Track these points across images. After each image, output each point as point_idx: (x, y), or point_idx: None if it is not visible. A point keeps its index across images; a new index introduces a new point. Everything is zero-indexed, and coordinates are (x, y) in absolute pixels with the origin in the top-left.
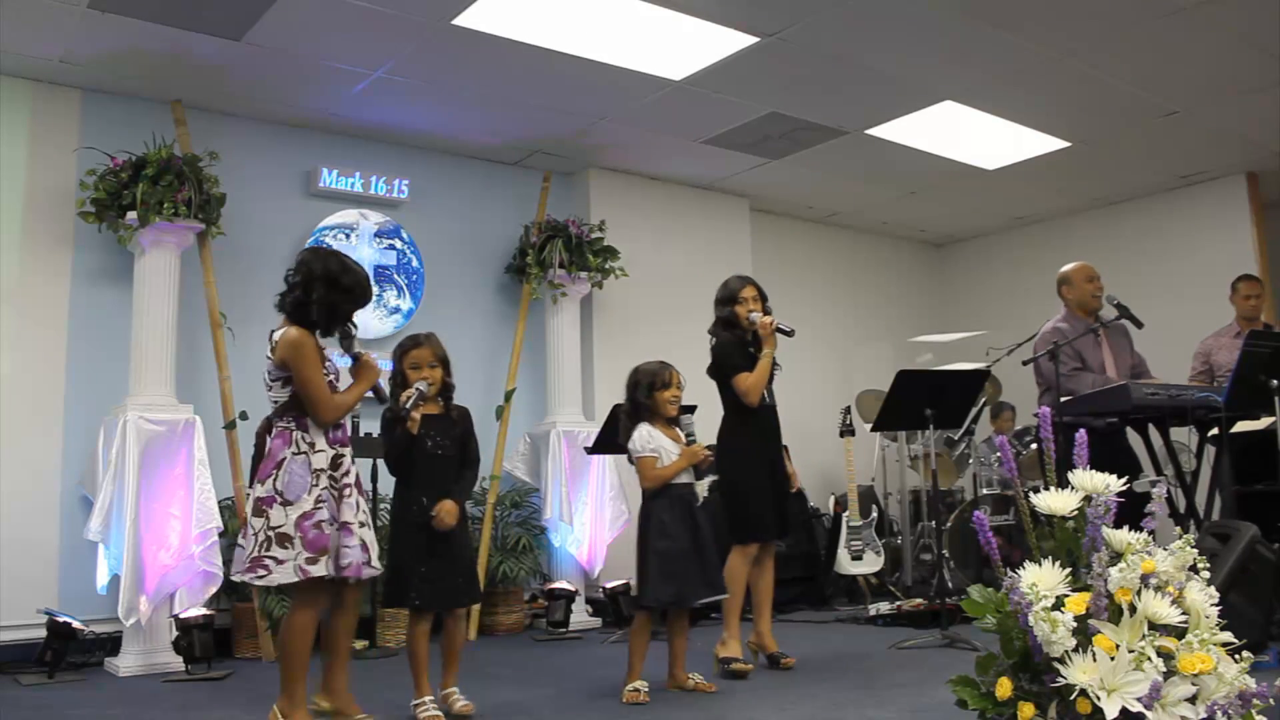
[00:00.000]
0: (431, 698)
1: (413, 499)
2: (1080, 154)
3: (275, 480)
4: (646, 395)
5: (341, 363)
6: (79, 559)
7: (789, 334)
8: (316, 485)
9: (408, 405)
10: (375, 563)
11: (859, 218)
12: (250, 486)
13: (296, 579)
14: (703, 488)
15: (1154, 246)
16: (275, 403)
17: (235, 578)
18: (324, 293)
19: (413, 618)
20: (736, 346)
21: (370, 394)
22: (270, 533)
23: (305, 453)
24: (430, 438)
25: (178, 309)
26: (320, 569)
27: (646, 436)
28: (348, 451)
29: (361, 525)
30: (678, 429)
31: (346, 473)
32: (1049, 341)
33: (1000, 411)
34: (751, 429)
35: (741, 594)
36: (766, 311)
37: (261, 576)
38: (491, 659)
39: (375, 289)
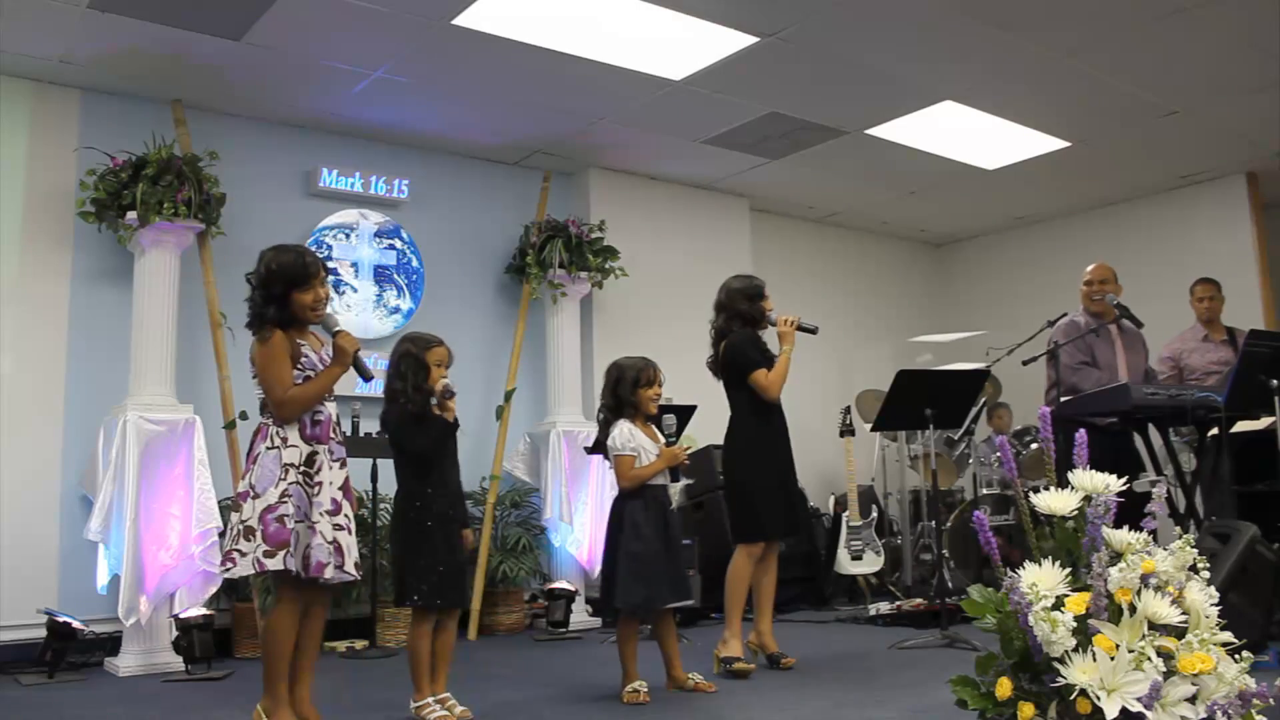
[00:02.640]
0: (434, 698)
1: (429, 498)
2: (1080, 154)
3: (250, 475)
4: (631, 391)
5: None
6: (79, 559)
7: (813, 331)
8: (284, 479)
9: (443, 395)
10: (350, 569)
11: (859, 218)
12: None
13: (253, 571)
14: (677, 491)
15: (1154, 246)
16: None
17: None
18: (251, 293)
19: (419, 618)
20: (752, 343)
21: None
22: (240, 525)
23: (277, 447)
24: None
25: (178, 309)
26: (277, 563)
27: (627, 434)
28: (323, 449)
29: (338, 528)
30: (655, 428)
31: (320, 470)
32: (1061, 331)
33: (995, 411)
34: (767, 428)
35: (744, 593)
36: None
37: (228, 569)
38: (491, 659)
39: (308, 258)
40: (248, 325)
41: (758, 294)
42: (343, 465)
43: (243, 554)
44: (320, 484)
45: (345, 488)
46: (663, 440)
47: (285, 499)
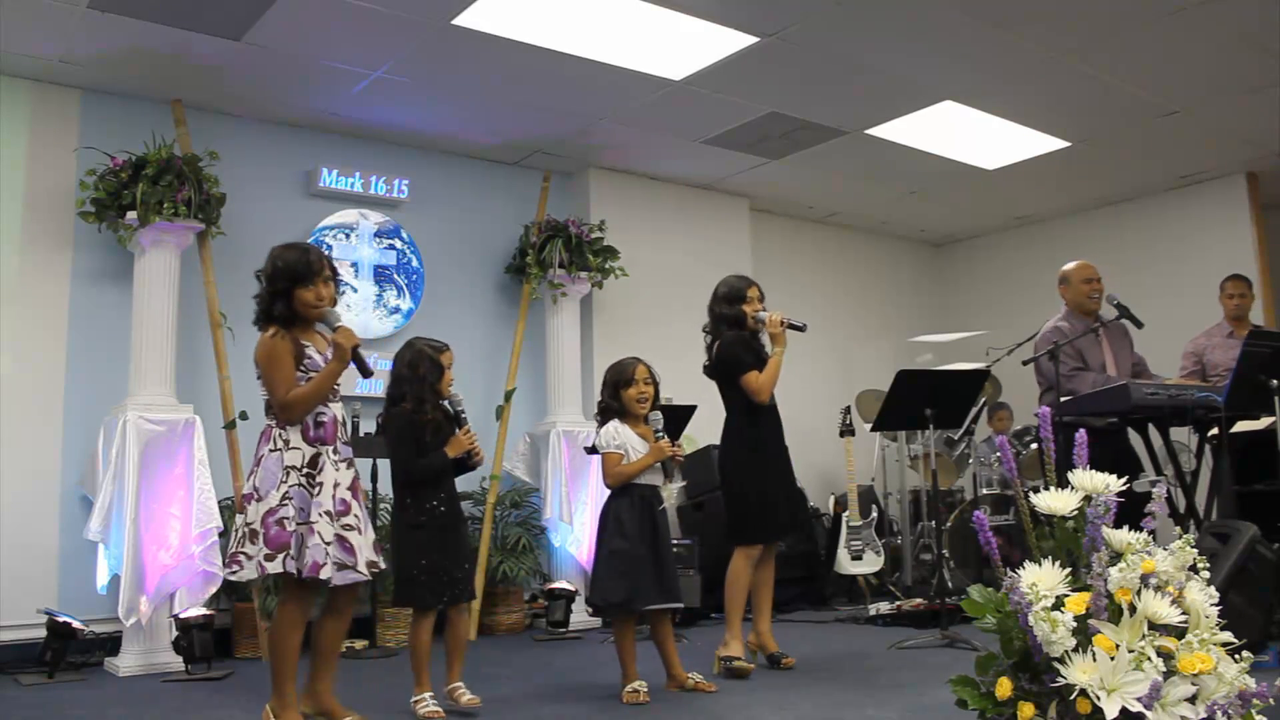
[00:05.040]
0: (431, 693)
1: (424, 501)
2: (1080, 154)
3: (254, 477)
4: (613, 396)
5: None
6: (79, 559)
7: (801, 329)
8: (285, 482)
9: (460, 409)
10: (362, 568)
11: (859, 218)
12: None
13: (256, 575)
14: (671, 492)
15: (1154, 246)
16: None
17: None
18: (259, 290)
19: (417, 615)
20: (743, 344)
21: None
22: (245, 528)
23: (279, 449)
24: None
25: (178, 309)
26: (277, 566)
27: (613, 432)
28: (327, 450)
29: (347, 528)
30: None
31: (322, 470)
32: (1049, 341)
33: (995, 411)
34: (761, 429)
35: (744, 596)
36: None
37: (234, 572)
38: (491, 659)
39: (312, 256)
40: (255, 322)
41: (737, 297)
42: (350, 466)
43: (249, 557)
44: (321, 485)
45: (354, 487)
46: (653, 438)
47: (286, 501)
